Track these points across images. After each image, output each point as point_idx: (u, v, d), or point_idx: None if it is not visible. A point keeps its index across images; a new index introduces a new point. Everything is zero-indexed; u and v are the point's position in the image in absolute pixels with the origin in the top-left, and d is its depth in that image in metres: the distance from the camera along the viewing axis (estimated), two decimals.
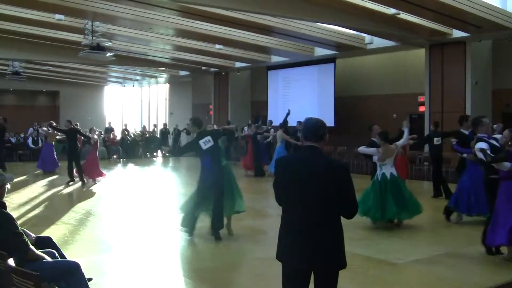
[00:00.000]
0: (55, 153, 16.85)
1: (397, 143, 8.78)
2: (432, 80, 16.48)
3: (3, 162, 16.07)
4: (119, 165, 21.08)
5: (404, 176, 11.59)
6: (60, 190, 12.93)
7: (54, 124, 16.41)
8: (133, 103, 36.88)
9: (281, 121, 16.95)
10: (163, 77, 31.20)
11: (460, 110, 15.68)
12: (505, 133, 6.31)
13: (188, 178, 16.82)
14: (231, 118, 24.46)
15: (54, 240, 4.96)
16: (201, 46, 19.14)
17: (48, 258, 4.34)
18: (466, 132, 9.09)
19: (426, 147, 16.24)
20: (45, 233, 6.83)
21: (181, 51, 20.79)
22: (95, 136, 14.79)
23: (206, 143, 7.36)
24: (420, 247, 7.43)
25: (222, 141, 7.90)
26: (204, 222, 9.21)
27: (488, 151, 6.23)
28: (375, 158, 8.53)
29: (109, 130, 24.96)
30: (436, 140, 11.69)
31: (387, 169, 8.32)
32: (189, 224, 7.47)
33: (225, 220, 7.69)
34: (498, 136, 7.42)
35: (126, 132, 24.65)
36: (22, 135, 23.77)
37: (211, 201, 7.38)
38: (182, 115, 28.91)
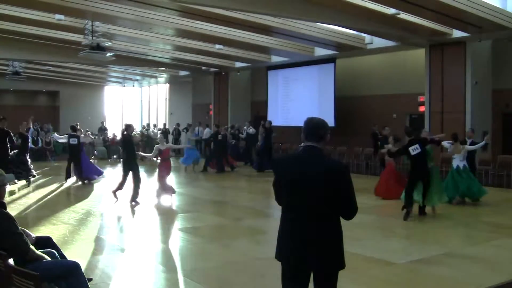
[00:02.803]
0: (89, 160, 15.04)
1: (468, 147, 11.16)
2: (432, 80, 16.46)
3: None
4: (119, 165, 21.07)
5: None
6: (61, 190, 12.92)
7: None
8: (133, 103, 36.89)
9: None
10: (163, 77, 31.19)
11: (460, 110, 15.69)
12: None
13: (187, 178, 16.81)
14: (231, 118, 24.47)
15: (54, 240, 4.96)
16: (201, 46, 19.13)
17: (48, 258, 4.34)
18: None
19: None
20: (45, 233, 6.83)
21: (181, 51, 20.78)
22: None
23: (414, 150, 9.34)
24: (420, 247, 7.43)
25: None
26: (204, 222, 9.23)
27: None
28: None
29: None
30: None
31: (456, 162, 10.85)
32: (408, 201, 9.34)
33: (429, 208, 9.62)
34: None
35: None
36: None
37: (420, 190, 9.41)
38: (182, 115, 28.92)
